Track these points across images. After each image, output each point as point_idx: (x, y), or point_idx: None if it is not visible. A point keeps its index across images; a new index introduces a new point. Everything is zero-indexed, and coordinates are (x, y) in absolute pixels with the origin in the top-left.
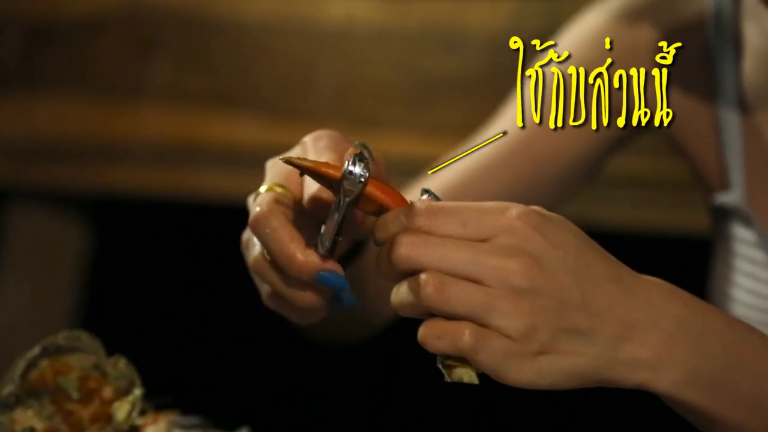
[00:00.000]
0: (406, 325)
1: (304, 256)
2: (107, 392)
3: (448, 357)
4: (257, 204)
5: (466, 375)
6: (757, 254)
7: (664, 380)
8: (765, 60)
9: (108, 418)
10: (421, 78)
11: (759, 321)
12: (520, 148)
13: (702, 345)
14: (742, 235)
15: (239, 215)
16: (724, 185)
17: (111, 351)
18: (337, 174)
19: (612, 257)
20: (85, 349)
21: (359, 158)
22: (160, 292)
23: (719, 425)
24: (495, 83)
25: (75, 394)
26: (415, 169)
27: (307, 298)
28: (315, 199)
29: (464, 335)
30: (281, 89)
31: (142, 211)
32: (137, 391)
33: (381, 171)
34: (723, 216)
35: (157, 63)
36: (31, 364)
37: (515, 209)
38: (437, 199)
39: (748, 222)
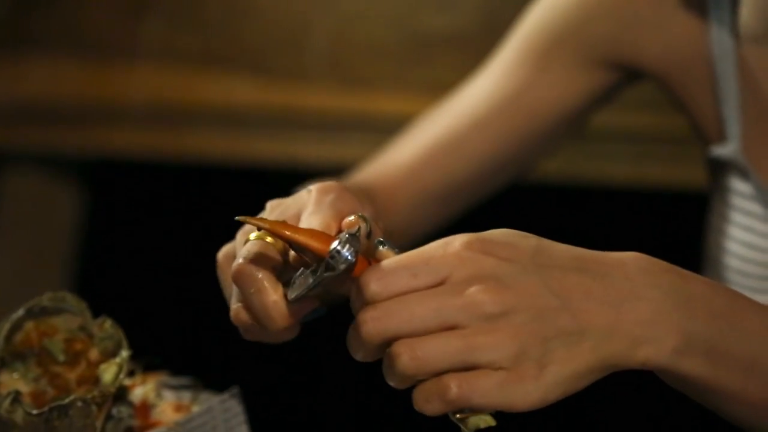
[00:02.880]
0: None
1: (282, 321)
2: (94, 354)
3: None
4: (241, 255)
5: (481, 421)
6: (754, 207)
7: (664, 351)
8: (763, 6)
9: (95, 380)
10: (416, 35)
11: (755, 274)
12: (513, 102)
13: (691, 309)
14: (738, 187)
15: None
16: (722, 137)
17: (105, 313)
18: (324, 250)
19: (570, 247)
20: (70, 310)
21: (350, 241)
22: (154, 253)
23: (719, 394)
24: (490, 40)
25: (61, 357)
26: (408, 128)
27: (286, 335)
28: (298, 258)
29: (450, 389)
30: (275, 48)
31: (136, 173)
32: (124, 353)
33: (377, 233)
34: (720, 169)
35: (150, 23)
36: (16, 326)
37: (457, 241)
38: (393, 248)
39: (744, 174)
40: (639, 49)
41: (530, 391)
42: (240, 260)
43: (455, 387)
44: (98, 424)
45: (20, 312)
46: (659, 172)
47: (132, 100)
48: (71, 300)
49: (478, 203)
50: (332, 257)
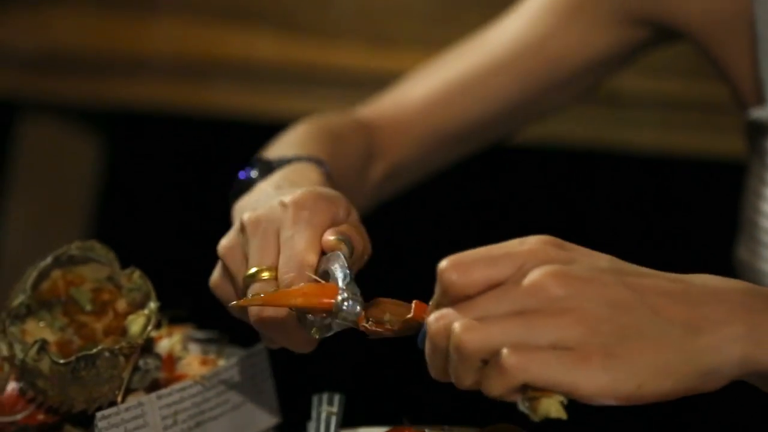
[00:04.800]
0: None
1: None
2: (121, 305)
3: (526, 391)
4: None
5: (552, 407)
6: None
7: (765, 349)
8: None
9: (122, 331)
10: None
11: None
12: (533, 46)
13: None
14: None
15: (255, 131)
16: (760, 100)
17: (127, 265)
18: (329, 305)
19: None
20: (98, 260)
21: (350, 293)
22: (174, 207)
23: None
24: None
25: (88, 306)
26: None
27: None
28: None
29: (507, 357)
30: (300, 4)
31: (157, 126)
32: (152, 305)
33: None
34: (758, 132)
35: None
36: (43, 275)
37: (534, 238)
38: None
39: None
40: (680, 7)
41: (597, 375)
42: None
43: (511, 356)
44: (125, 375)
45: (48, 260)
46: (688, 139)
47: (154, 53)
48: (99, 249)
49: (489, 145)
50: (341, 310)
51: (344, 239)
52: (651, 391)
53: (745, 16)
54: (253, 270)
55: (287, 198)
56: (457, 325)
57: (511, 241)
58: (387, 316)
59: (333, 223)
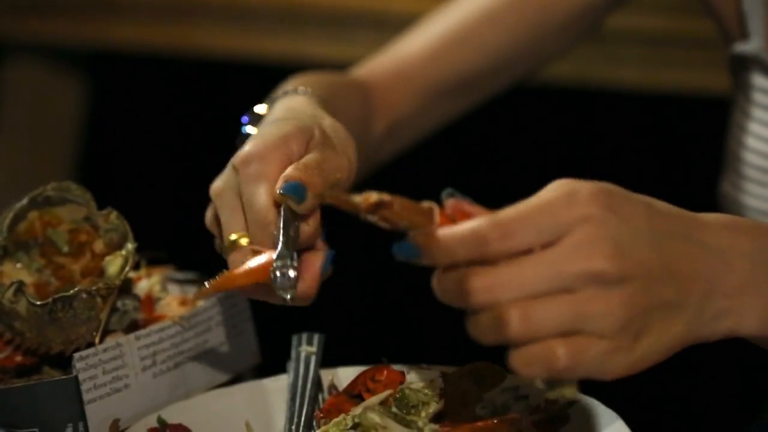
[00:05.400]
0: None
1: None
2: (99, 246)
3: None
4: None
5: (568, 392)
6: None
7: (749, 322)
8: None
9: (100, 272)
10: None
11: None
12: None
13: None
14: (761, 84)
15: (238, 71)
16: (744, 35)
17: (106, 206)
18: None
19: (675, 209)
20: (75, 201)
21: (281, 268)
22: (157, 148)
23: None
24: None
25: (65, 247)
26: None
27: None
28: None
29: (558, 357)
30: None
31: (142, 67)
32: (130, 245)
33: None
34: (742, 66)
35: None
36: (19, 216)
37: (582, 194)
38: (466, 199)
39: (767, 70)
40: None
41: (621, 361)
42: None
43: (564, 357)
44: (103, 316)
45: (24, 201)
46: (671, 75)
47: None
48: (76, 190)
49: (490, 97)
50: (275, 284)
51: (287, 190)
52: (651, 364)
53: None
54: (231, 238)
55: (235, 158)
56: (509, 311)
57: (554, 193)
58: (402, 222)
59: (287, 165)
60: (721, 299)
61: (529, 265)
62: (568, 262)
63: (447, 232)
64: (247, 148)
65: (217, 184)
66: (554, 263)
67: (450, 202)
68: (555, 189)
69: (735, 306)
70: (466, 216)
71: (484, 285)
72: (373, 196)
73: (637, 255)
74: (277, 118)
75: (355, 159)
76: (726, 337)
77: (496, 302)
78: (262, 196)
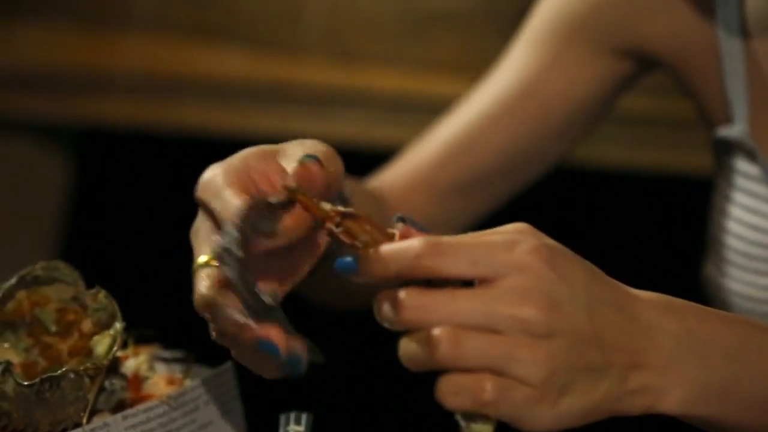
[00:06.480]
0: None
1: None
2: (87, 325)
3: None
4: (196, 287)
5: (484, 429)
6: (760, 188)
7: (669, 401)
8: None
9: (87, 351)
10: (413, 11)
11: (760, 256)
12: (525, 96)
13: (706, 358)
14: (745, 169)
15: (224, 149)
16: (728, 119)
17: (93, 285)
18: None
19: (613, 280)
20: (63, 280)
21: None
22: (142, 226)
23: (736, 429)
24: (488, 19)
25: (53, 327)
26: (404, 104)
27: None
28: None
29: (485, 390)
30: (269, 20)
31: (126, 144)
32: (118, 325)
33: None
34: (725, 150)
35: None
36: (7, 295)
37: (525, 243)
38: (416, 225)
39: (751, 156)
40: (648, 35)
41: (545, 415)
42: (197, 293)
43: (492, 390)
44: (90, 396)
45: (12, 280)
46: (656, 156)
47: (124, 70)
48: (65, 269)
49: (506, 199)
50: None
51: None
52: (570, 425)
53: (710, 38)
54: (200, 260)
55: (196, 192)
56: (440, 333)
57: (499, 236)
58: (363, 236)
59: (246, 177)
60: (643, 374)
61: (463, 296)
62: (500, 303)
63: (383, 246)
64: (203, 177)
65: (194, 226)
66: (487, 301)
67: (400, 227)
68: (504, 230)
69: (657, 383)
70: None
71: (417, 303)
72: (341, 208)
73: (569, 314)
74: None
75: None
76: (645, 413)
77: (427, 322)
78: (230, 200)
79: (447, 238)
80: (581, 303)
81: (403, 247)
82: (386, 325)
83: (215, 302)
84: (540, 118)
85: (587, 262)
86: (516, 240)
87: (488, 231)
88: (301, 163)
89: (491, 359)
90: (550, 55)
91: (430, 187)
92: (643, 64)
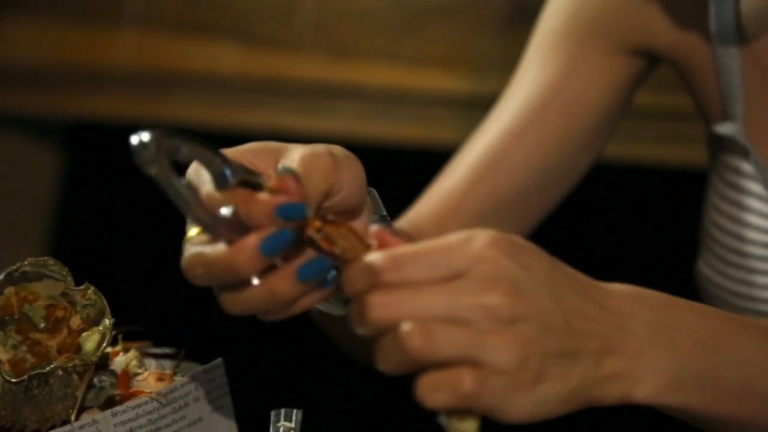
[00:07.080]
0: None
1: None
2: (75, 322)
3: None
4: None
5: (470, 429)
6: (754, 186)
7: (644, 389)
8: None
9: (76, 348)
10: (405, 5)
11: (752, 254)
12: (547, 107)
13: (679, 346)
14: (739, 166)
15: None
16: (724, 117)
17: (81, 281)
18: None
19: (577, 272)
20: (52, 276)
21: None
22: (132, 222)
23: (711, 420)
24: (482, 13)
25: (42, 323)
26: (397, 99)
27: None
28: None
29: (464, 382)
30: (262, 15)
31: (117, 139)
32: (107, 321)
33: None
34: (720, 147)
35: None
36: None
37: (481, 237)
38: (389, 226)
39: (745, 154)
40: (651, 33)
41: (524, 403)
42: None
43: (470, 381)
44: (79, 393)
45: (0, 277)
46: (650, 150)
47: (114, 65)
48: (53, 266)
49: (542, 217)
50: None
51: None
52: (552, 416)
53: (706, 34)
54: (190, 233)
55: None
56: (409, 328)
57: (455, 236)
58: (341, 242)
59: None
60: (616, 360)
61: (428, 290)
62: (465, 293)
63: (345, 269)
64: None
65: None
66: (451, 292)
67: (374, 229)
68: (457, 233)
69: (631, 369)
70: (384, 246)
71: (382, 301)
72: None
73: (533, 298)
74: None
75: (354, 184)
76: (621, 402)
77: (395, 319)
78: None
79: (404, 249)
80: (544, 288)
81: (362, 266)
82: (360, 331)
83: (200, 251)
84: (564, 127)
85: (547, 254)
86: (472, 236)
87: (447, 234)
88: (278, 176)
89: (463, 348)
90: (567, 62)
91: (462, 214)
92: (652, 61)
